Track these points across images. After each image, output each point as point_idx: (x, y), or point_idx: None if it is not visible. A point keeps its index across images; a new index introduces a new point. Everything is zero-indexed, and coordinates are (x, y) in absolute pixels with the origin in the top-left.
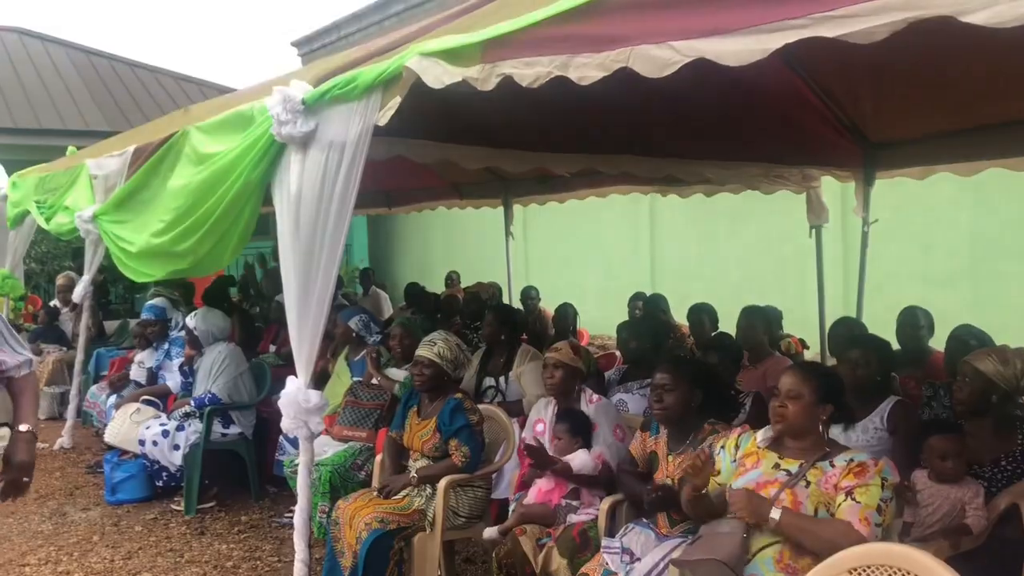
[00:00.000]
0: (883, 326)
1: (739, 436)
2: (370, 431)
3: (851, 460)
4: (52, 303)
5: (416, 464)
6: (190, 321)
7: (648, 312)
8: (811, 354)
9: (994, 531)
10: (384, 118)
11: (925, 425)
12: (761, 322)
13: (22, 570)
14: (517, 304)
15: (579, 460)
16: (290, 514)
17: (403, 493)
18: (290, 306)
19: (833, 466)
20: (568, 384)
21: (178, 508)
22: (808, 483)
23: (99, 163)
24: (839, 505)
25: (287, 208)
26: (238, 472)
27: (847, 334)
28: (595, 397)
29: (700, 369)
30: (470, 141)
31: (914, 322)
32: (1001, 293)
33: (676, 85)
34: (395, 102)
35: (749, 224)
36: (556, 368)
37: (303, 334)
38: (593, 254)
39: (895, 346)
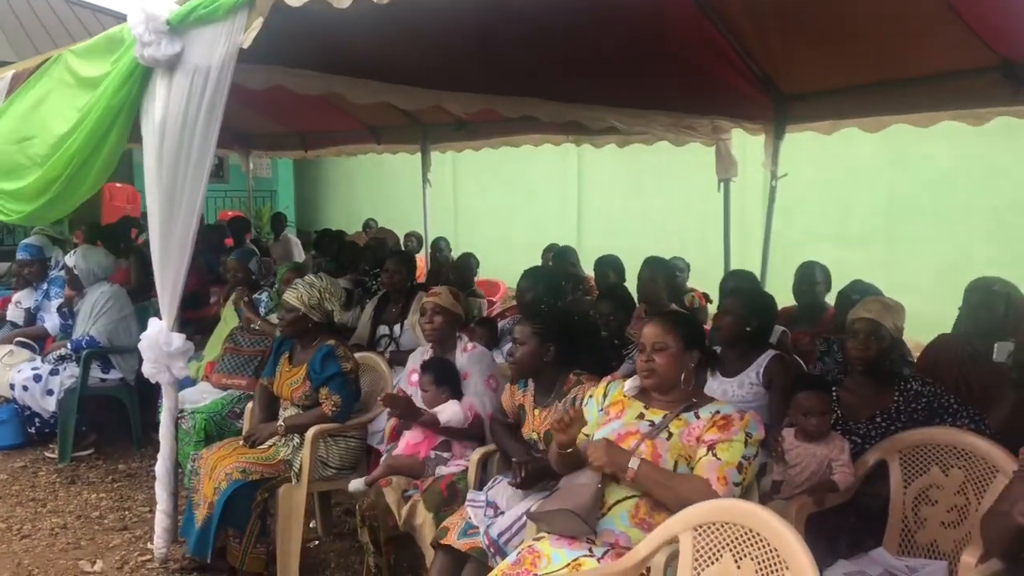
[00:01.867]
0: None
1: (608, 384)
2: (250, 379)
3: (716, 412)
4: None
5: (286, 413)
6: (69, 259)
7: (556, 263)
8: (715, 308)
9: (862, 487)
10: (248, 40)
11: (795, 381)
12: (662, 274)
13: None
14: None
15: (448, 412)
16: None
17: (269, 443)
18: (153, 243)
19: (698, 417)
20: (447, 330)
21: (52, 456)
22: (670, 435)
23: None
24: (699, 460)
25: (152, 138)
26: (122, 419)
27: (732, 285)
28: (470, 345)
29: (555, 322)
30: (360, 74)
31: (810, 278)
32: (915, 254)
33: (582, 26)
34: (258, 23)
35: (674, 179)
36: (436, 314)
37: (166, 272)
38: (522, 207)
39: (791, 302)
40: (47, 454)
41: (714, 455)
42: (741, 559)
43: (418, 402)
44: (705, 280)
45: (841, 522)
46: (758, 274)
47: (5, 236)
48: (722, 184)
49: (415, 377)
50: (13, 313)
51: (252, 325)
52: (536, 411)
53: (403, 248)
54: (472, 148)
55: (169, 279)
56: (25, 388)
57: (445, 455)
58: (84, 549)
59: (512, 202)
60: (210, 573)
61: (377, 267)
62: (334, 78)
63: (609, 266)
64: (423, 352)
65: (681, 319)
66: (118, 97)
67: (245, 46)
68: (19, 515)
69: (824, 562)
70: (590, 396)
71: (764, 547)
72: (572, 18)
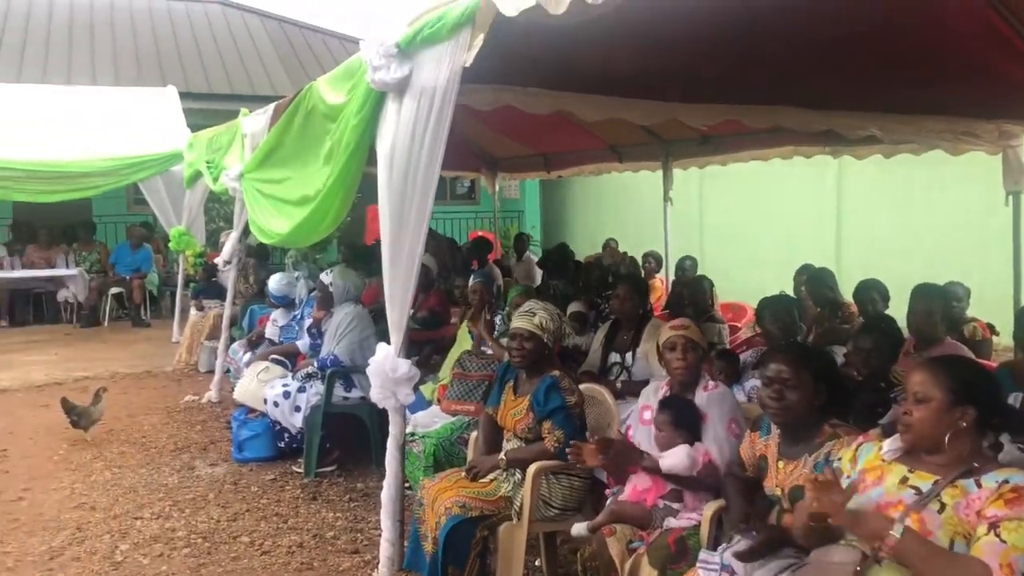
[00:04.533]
0: None
1: (859, 447)
2: (478, 404)
3: (1004, 481)
4: (216, 260)
5: (509, 445)
6: (325, 277)
7: (810, 287)
8: (1002, 341)
9: None
10: (470, 58)
11: None
12: (937, 303)
13: (133, 522)
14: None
15: (674, 458)
16: (407, 484)
17: (491, 477)
18: (385, 267)
19: (980, 487)
20: (697, 368)
21: (299, 470)
22: (943, 506)
23: (250, 121)
24: (978, 539)
25: (383, 161)
26: (364, 437)
27: None
28: (711, 384)
29: (824, 360)
30: (590, 90)
31: None
32: None
33: (833, 21)
34: (480, 40)
35: (950, 193)
36: (689, 350)
37: (394, 296)
38: (774, 223)
39: None
40: (294, 468)
41: (997, 535)
42: None
43: (646, 443)
44: (988, 308)
45: None
46: None
47: (279, 257)
48: (1010, 197)
49: (648, 415)
50: (271, 330)
51: (483, 348)
52: (780, 463)
53: (641, 269)
54: (717, 163)
55: (397, 303)
56: (276, 404)
57: (675, 505)
58: (316, 570)
59: (762, 219)
60: None
61: (608, 290)
62: (563, 95)
63: (875, 290)
64: (657, 387)
65: (955, 368)
66: (355, 123)
67: (467, 64)
68: (263, 529)
69: None
70: (837, 459)
71: None
72: (822, 12)
